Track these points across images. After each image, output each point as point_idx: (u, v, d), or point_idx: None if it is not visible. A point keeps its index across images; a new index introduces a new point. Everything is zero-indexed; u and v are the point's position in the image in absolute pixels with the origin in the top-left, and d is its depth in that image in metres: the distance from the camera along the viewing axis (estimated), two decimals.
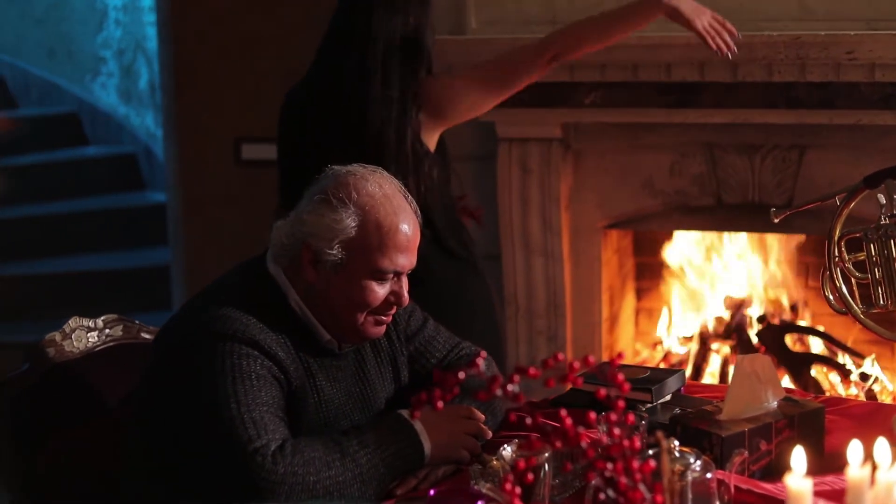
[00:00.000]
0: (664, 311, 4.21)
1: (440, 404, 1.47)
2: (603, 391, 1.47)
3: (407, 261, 2.13)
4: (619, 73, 3.51)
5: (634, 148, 3.73)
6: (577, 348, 3.87)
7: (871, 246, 2.30)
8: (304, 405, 2.12)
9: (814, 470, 2.08)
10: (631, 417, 1.47)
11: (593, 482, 1.47)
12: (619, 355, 1.56)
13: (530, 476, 1.50)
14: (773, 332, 4.03)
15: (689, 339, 4.13)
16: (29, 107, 6.92)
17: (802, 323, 4.10)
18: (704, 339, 4.08)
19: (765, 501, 1.92)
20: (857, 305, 2.35)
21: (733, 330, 4.06)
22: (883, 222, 2.29)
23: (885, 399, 3.90)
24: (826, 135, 3.53)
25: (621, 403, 1.50)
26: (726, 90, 3.45)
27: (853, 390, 3.92)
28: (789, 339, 4.06)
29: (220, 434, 1.98)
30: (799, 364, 3.91)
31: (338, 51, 3.01)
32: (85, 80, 6.84)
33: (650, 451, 1.67)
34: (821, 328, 4.06)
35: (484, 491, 1.81)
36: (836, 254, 2.34)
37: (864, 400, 3.63)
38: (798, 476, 1.41)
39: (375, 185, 2.12)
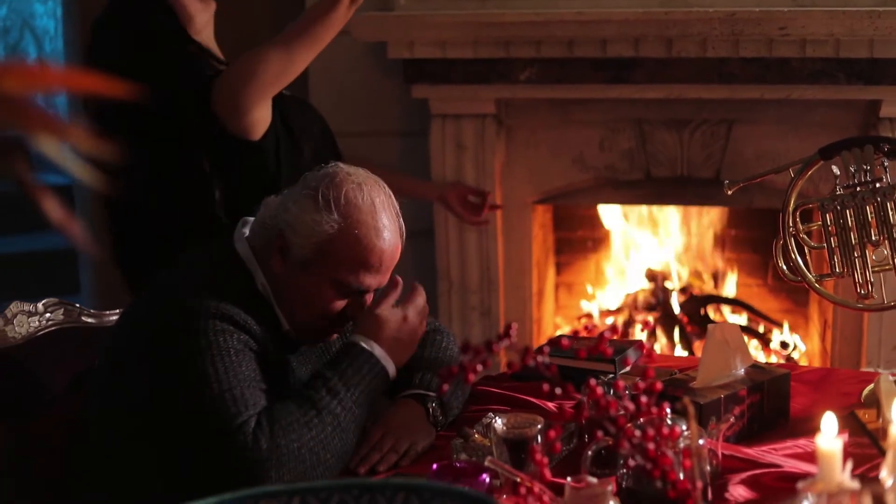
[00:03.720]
0: (587, 285, 4.26)
1: (471, 377, 1.48)
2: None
3: (376, 281, 2.12)
4: (555, 49, 3.51)
5: (566, 123, 3.74)
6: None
7: (827, 216, 2.37)
8: (279, 379, 2.10)
9: (783, 433, 2.16)
10: (659, 385, 1.50)
11: (623, 451, 1.49)
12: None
13: (558, 446, 1.52)
14: (696, 303, 4.12)
15: (613, 311, 4.19)
16: None
17: (728, 294, 4.20)
18: (629, 312, 4.14)
19: (748, 465, 1.97)
20: (810, 274, 2.43)
21: (658, 302, 4.13)
22: (838, 192, 2.36)
23: (803, 362, 4.03)
24: (756, 110, 3.59)
25: (651, 371, 1.52)
26: (661, 66, 3.49)
27: (773, 358, 4.03)
28: (711, 310, 4.16)
29: (201, 417, 1.94)
30: None
31: None
32: None
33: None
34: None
35: (486, 464, 1.82)
36: (791, 224, 2.41)
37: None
38: (829, 436, 1.44)
39: (368, 196, 2.08)
